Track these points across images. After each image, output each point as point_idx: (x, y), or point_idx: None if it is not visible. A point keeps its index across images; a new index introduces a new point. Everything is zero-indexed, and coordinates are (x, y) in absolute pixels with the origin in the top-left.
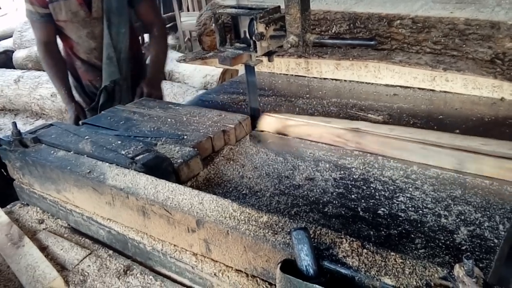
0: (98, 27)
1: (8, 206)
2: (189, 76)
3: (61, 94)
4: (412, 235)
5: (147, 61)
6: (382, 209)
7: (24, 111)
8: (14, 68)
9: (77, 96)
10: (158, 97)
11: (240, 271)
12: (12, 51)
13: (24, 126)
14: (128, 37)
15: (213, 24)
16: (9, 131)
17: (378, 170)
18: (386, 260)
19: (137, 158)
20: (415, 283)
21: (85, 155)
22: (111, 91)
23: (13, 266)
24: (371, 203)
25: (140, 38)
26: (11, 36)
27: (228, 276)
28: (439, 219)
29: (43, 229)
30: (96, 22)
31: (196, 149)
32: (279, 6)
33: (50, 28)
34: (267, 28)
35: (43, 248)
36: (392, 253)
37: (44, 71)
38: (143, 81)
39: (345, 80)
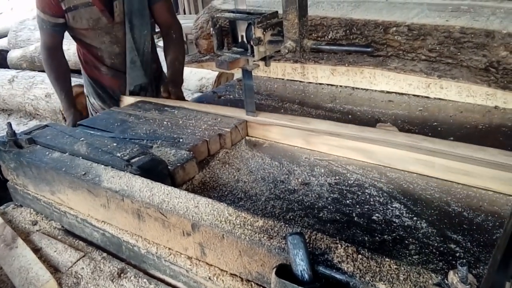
0: (121, 31)
1: (1, 207)
2: (184, 79)
3: (61, 98)
4: (406, 241)
5: (167, 63)
6: (377, 214)
7: (18, 111)
8: (9, 68)
9: (101, 104)
10: (182, 99)
11: (235, 275)
12: (7, 51)
13: (18, 126)
14: (150, 39)
15: (211, 28)
16: (3, 132)
17: (374, 176)
18: (381, 266)
19: (133, 160)
20: None
21: (80, 157)
22: (137, 95)
23: (6, 268)
24: (366, 209)
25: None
26: (6, 36)
27: (222, 280)
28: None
29: (37, 230)
30: (118, 26)
31: (191, 153)
32: (276, 12)
33: (59, 36)
34: (264, 33)
35: (37, 250)
36: (387, 259)
37: (39, 71)
38: (167, 82)
39: (340, 86)
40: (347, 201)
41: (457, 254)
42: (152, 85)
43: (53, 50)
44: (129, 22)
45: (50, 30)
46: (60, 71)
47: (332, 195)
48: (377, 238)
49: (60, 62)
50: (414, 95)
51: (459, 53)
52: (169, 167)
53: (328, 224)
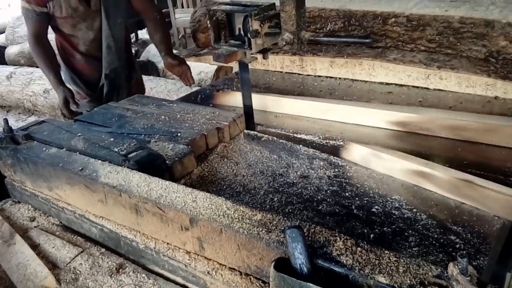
0: (97, 19)
1: None
2: None
3: (50, 79)
4: (406, 233)
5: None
6: (376, 207)
7: (17, 108)
8: (6, 64)
9: (76, 89)
10: (185, 64)
11: (234, 269)
12: (4, 47)
13: (17, 122)
14: (123, 27)
15: (208, 21)
16: (0, 128)
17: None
18: (380, 258)
19: (130, 155)
20: (409, 281)
21: (77, 152)
22: (112, 79)
23: (4, 264)
24: (365, 201)
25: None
26: (3, 32)
27: (221, 275)
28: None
29: (35, 227)
30: (94, 14)
31: (189, 147)
32: (274, 3)
33: (44, 24)
34: (261, 25)
35: (35, 246)
36: (386, 252)
37: (37, 67)
38: (166, 55)
39: (339, 78)
40: (346, 194)
41: (457, 246)
42: (125, 70)
43: (40, 37)
44: (105, 11)
45: (35, 19)
46: (47, 55)
47: (331, 187)
48: (377, 230)
49: (46, 47)
50: (413, 86)
51: (458, 44)
52: (167, 162)
53: (328, 217)
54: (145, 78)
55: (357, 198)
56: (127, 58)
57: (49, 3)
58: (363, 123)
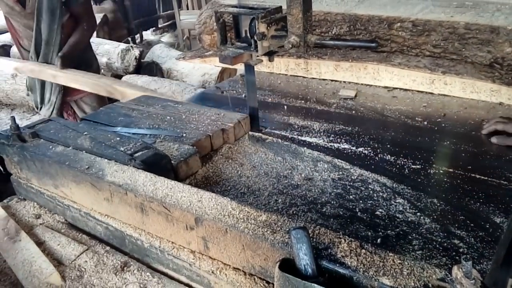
0: (33, 20)
1: (5, 201)
2: (187, 74)
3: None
4: (410, 237)
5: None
6: (380, 210)
7: (21, 106)
8: None
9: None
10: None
11: (238, 269)
12: (10, 46)
13: (21, 121)
14: (59, 34)
15: (214, 23)
16: (6, 126)
17: (376, 171)
18: (385, 260)
19: (136, 155)
20: (413, 284)
21: (83, 151)
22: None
23: (9, 261)
24: (369, 204)
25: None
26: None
27: (225, 274)
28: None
29: (40, 224)
30: (30, 15)
31: (195, 147)
32: (280, 6)
33: None
34: (268, 28)
35: (40, 243)
36: (391, 254)
37: None
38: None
39: (344, 82)
40: (351, 197)
41: (461, 250)
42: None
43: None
44: (38, 15)
45: None
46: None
47: (335, 190)
48: (380, 233)
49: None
50: (418, 91)
51: (463, 49)
52: (172, 162)
53: (331, 219)
54: (149, 78)
55: (361, 201)
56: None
57: None
58: None
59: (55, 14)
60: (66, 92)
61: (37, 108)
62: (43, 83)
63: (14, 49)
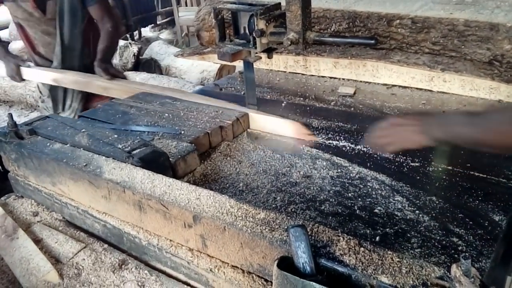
0: (52, 26)
1: (2, 198)
2: (186, 71)
3: None
4: (409, 234)
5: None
6: (379, 208)
7: (19, 103)
8: None
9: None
10: (113, 73)
11: (236, 267)
12: (8, 42)
13: (19, 118)
14: (81, 37)
15: (213, 20)
16: (4, 123)
17: (375, 169)
18: (383, 258)
19: (134, 152)
20: (411, 282)
21: (81, 148)
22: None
23: (7, 259)
24: (368, 202)
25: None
26: (7, 27)
27: (224, 272)
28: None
29: (38, 221)
30: (50, 21)
31: (193, 145)
32: (279, 3)
33: None
34: (267, 24)
35: (38, 241)
36: (389, 252)
37: None
38: (97, 60)
39: (343, 79)
40: (349, 194)
41: (460, 248)
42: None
43: None
44: (60, 20)
45: None
46: None
47: (334, 188)
48: (379, 231)
49: None
50: (417, 88)
51: (463, 46)
52: (170, 159)
53: (330, 217)
54: (148, 76)
55: (359, 199)
56: (84, 67)
57: (5, 2)
58: None
59: (77, 15)
60: (88, 98)
61: None
62: (65, 89)
63: (13, 45)
